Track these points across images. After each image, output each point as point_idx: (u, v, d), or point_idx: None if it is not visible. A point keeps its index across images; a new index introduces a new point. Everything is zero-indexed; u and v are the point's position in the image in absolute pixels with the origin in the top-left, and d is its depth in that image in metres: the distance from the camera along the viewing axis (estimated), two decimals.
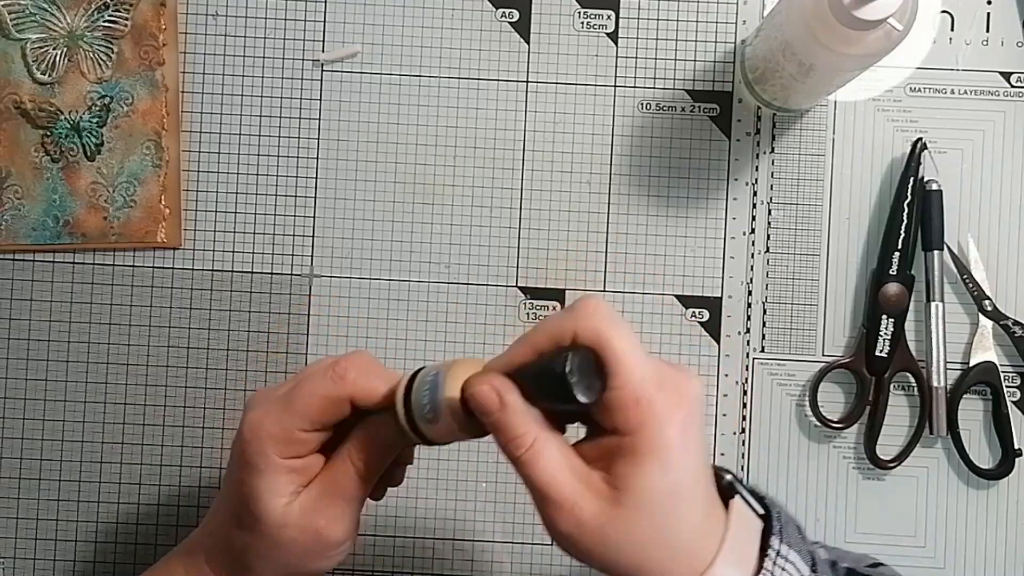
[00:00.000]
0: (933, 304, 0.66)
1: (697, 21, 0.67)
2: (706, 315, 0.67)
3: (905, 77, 0.67)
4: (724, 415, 0.67)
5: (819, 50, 0.53)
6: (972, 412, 0.67)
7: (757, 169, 0.67)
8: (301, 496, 0.50)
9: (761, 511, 0.48)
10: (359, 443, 0.50)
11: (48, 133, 0.66)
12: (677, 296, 0.67)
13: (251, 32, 0.67)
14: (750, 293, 0.67)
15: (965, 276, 0.66)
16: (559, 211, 0.67)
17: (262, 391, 0.53)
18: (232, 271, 0.67)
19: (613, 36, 0.67)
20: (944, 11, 0.67)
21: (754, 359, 0.67)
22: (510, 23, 0.67)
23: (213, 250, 0.67)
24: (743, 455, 0.67)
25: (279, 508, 0.50)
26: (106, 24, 0.66)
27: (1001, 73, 0.67)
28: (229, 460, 0.53)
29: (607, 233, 0.67)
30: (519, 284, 0.67)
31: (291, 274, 0.67)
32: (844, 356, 0.66)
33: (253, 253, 0.67)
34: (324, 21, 0.67)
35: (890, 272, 0.65)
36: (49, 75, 0.66)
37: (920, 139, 0.66)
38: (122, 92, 0.66)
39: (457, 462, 0.67)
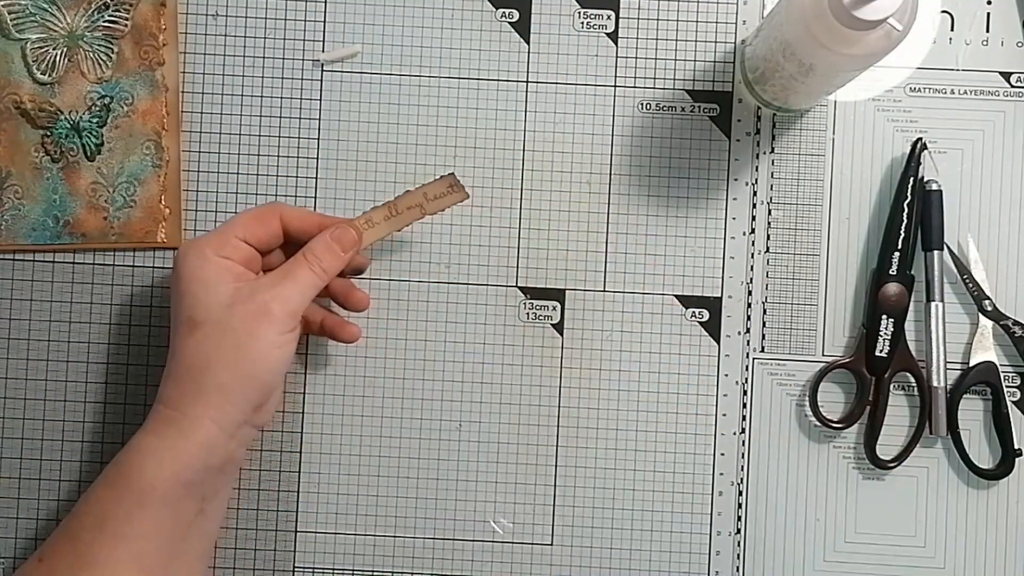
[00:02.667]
0: (933, 304, 0.66)
1: (697, 21, 0.67)
2: (706, 315, 0.67)
3: (905, 77, 0.67)
4: (724, 415, 0.67)
5: (819, 50, 0.53)
6: (972, 412, 0.67)
7: (757, 169, 0.67)
8: (253, 280, 0.58)
9: None
10: (315, 243, 0.60)
11: (48, 133, 0.66)
12: (677, 296, 0.67)
13: (251, 32, 0.67)
14: (750, 293, 0.67)
15: (965, 276, 0.66)
16: (559, 211, 0.67)
17: None
18: None
19: (613, 36, 0.67)
20: (944, 11, 0.67)
21: (754, 359, 0.67)
22: (510, 23, 0.67)
23: None
24: (743, 455, 0.67)
25: (227, 290, 0.57)
26: (106, 24, 0.66)
27: (1001, 73, 0.67)
28: (173, 312, 0.59)
29: (607, 233, 0.67)
30: (519, 284, 0.67)
31: None
32: (844, 356, 0.66)
33: None
34: (324, 21, 0.67)
35: (890, 272, 0.65)
36: (49, 75, 0.66)
37: (920, 139, 0.66)
38: (122, 92, 0.66)
39: (457, 462, 0.67)
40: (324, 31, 0.67)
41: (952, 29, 0.67)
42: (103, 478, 0.57)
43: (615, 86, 0.67)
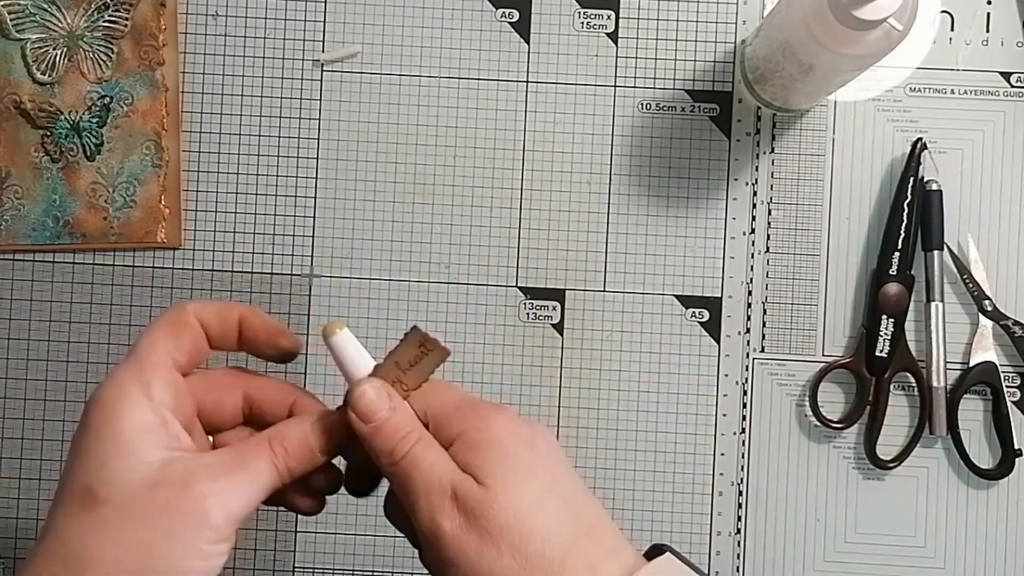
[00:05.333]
0: (933, 304, 0.66)
1: (697, 21, 0.67)
2: (706, 315, 0.67)
3: (905, 77, 0.67)
4: (724, 415, 0.67)
5: (819, 50, 0.53)
6: (972, 412, 0.67)
7: (757, 169, 0.67)
8: (191, 457, 0.42)
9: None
10: (288, 429, 0.44)
11: (48, 133, 0.66)
12: (677, 296, 0.67)
13: (251, 32, 0.67)
14: (750, 293, 0.67)
15: (965, 276, 0.66)
16: (559, 211, 0.67)
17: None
18: (232, 271, 0.67)
19: (613, 36, 0.67)
20: (944, 11, 0.67)
21: (754, 359, 0.67)
22: (510, 23, 0.67)
23: (213, 250, 0.67)
24: (743, 455, 0.67)
25: (153, 460, 0.41)
26: (106, 24, 0.66)
27: (1001, 73, 0.67)
28: (65, 472, 0.42)
29: (607, 233, 0.67)
30: (519, 284, 0.67)
31: (291, 274, 0.67)
32: (844, 356, 0.66)
33: (253, 253, 0.67)
34: (324, 21, 0.67)
35: (890, 272, 0.65)
36: (49, 75, 0.66)
37: (920, 139, 0.66)
38: (122, 92, 0.66)
39: None
40: (324, 31, 0.67)
41: (952, 29, 0.67)
42: None
43: (615, 86, 0.67)
